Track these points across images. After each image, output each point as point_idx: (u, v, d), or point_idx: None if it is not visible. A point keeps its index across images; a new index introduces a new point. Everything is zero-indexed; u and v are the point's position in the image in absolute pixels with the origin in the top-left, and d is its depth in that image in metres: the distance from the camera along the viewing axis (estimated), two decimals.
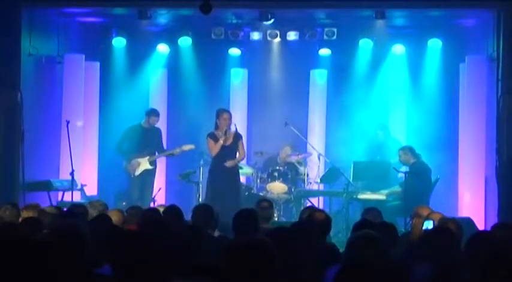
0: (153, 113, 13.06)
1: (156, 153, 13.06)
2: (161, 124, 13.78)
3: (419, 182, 11.73)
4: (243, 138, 12.39)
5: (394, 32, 13.15)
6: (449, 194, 12.85)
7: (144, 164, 12.93)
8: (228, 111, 12.11)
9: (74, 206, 8.13)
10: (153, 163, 13.04)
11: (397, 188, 12.11)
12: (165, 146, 13.39)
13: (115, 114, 13.67)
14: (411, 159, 12.06)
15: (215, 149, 11.78)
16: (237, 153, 11.93)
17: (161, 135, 13.26)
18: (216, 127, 11.86)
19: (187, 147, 12.82)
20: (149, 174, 13.00)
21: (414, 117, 13.73)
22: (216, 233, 7.28)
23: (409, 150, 12.17)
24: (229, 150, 11.82)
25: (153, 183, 13.15)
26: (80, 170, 12.52)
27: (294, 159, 13.39)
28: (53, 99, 12.95)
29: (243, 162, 12.75)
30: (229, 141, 11.81)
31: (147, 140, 12.98)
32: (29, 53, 11.76)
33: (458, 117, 13.05)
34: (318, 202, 13.08)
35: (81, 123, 13.09)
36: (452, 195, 12.86)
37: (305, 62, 14.08)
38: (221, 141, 11.71)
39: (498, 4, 11.30)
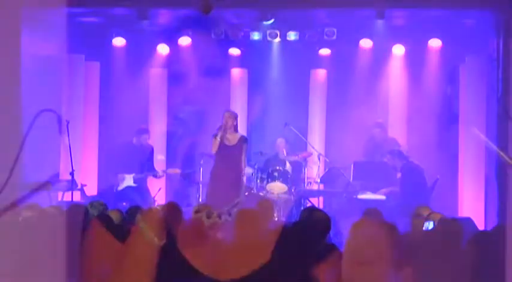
0: (138, 132, 13.01)
1: (144, 172, 12.98)
2: (160, 124, 13.76)
3: (413, 182, 11.76)
4: None
5: (394, 32, 13.14)
6: (449, 194, 12.85)
7: (128, 181, 12.90)
8: (229, 111, 11.96)
9: (74, 206, 8.12)
10: (137, 181, 12.99)
11: (394, 188, 12.15)
12: (163, 155, 13.41)
13: (115, 115, 13.66)
14: (398, 162, 12.10)
15: (213, 146, 11.70)
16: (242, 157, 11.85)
17: (152, 153, 13.16)
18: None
19: (171, 171, 13.10)
20: (131, 191, 12.89)
21: (414, 117, 13.72)
22: None
23: (395, 154, 12.23)
24: (232, 150, 11.68)
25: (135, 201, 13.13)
26: (79, 170, 12.51)
27: (293, 158, 13.38)
28: (53, 99, 12.92)
29: None
30: (233, 142, 11.70)
31: (136, 158, 12.93)
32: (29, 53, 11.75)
33: (458, 117, 13.05)
34: (318, 202, 13.07)
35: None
36: (452, 195, 12.86)
37: (305, 62, 14.04)
38: (218, 139, 11.62)
39: (498, 4, 11.30)
